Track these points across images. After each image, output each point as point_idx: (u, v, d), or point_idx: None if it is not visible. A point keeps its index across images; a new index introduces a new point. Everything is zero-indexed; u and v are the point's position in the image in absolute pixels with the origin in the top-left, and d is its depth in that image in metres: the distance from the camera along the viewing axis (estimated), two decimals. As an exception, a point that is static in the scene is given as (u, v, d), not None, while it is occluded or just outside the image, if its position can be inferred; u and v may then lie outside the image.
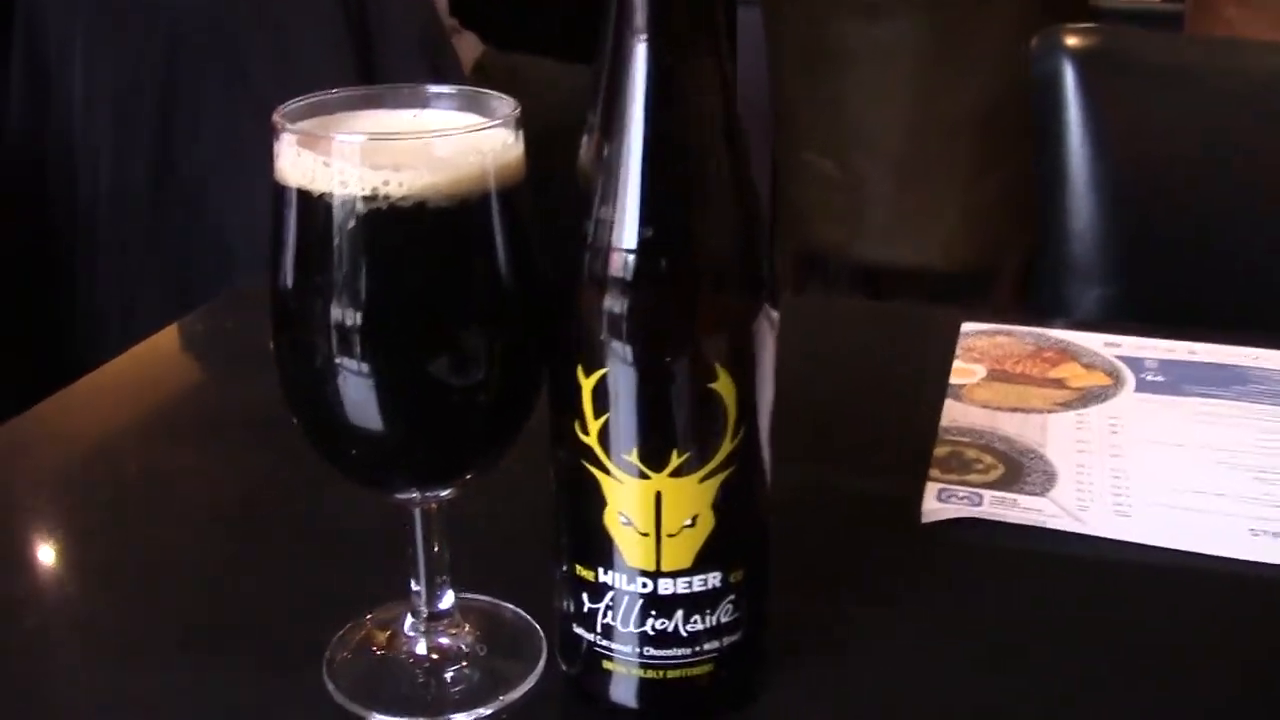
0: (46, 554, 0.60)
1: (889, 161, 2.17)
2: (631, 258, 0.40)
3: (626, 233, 0.40)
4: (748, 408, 0.43)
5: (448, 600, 0.49)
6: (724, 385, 0.42)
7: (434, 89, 0.45)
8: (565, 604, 0.46)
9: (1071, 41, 0.94)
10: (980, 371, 0.74)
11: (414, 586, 0.48)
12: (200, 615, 0.53)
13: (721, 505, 0.43)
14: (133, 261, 1.43)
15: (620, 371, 0.41)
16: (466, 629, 0.50)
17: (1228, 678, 0.50)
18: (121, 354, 0.79)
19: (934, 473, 0.63)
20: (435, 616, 0.49)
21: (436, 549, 0.48)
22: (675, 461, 0.42)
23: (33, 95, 1.45)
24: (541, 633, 0.50)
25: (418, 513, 0.47)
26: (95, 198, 1.44)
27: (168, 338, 0.83)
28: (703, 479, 0.42)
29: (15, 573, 0.58)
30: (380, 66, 1.59)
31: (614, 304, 0.41)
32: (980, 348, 0.77)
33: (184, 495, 0.63)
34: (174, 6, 1.48)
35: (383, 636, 0.50)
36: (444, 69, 1.69)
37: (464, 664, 0.49)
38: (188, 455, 0.67)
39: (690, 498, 0.42)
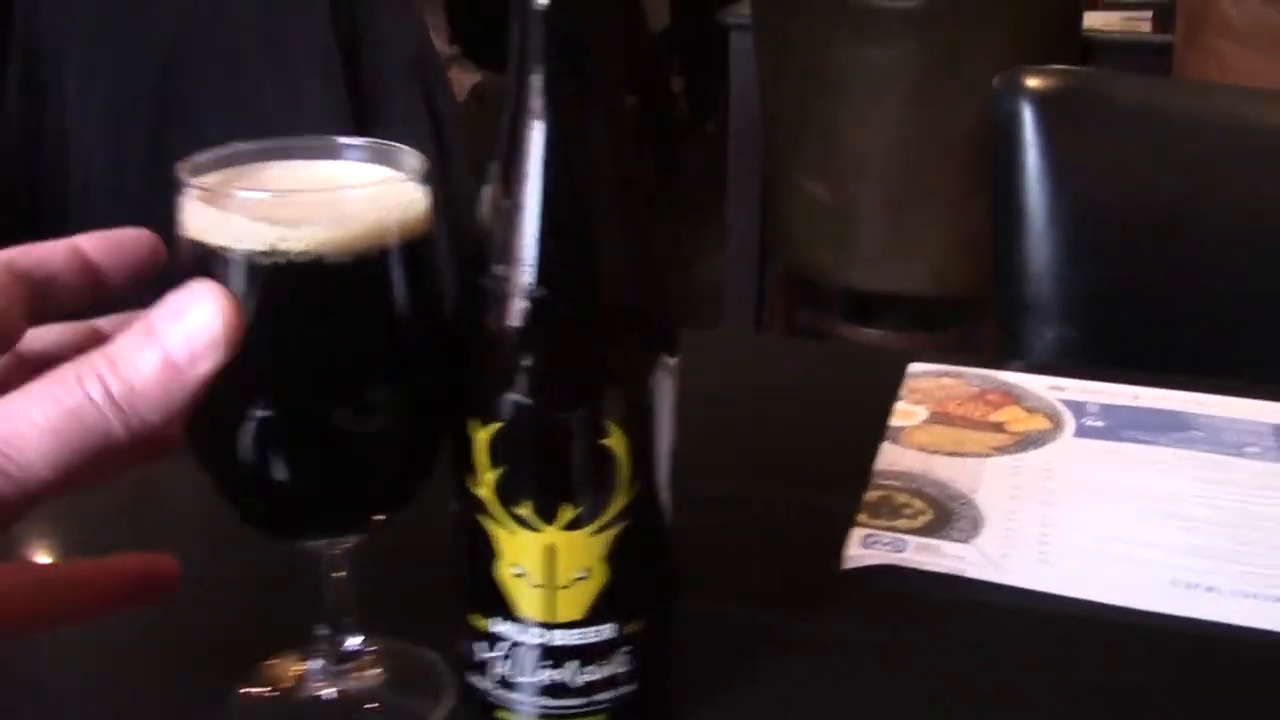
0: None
1: (880, 186, 2.17)
2: (521, 313, 0.41)
3: (518, 288, 0.41)
4: (643, 461, 0.43)
5: (355, 642, 0.50)
6: (617, 441, 0.42)
7: (344, 141, 0.46)
8: (462, 653, 0.46)
9: (1032, 82, 0.95)
10: (922, 414, 0.75)
11: (321, 630, 0.49)
12: (89, 660, 0.53)
13: (615, 558, 0.43)
14: None
15: (511, 426, 0.42)
16: (375, 672, 0.50)
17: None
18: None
19: (862, 517, 0.63)
20: (343, 659, 0.49)
21: (344, 592, 0.48)
22: (568, 515, 0.42)
23: (27, 101, 1.46)
24: (452, 675, 0.50)
25: (325, 556, 0.48)
26: (88, 207, 1.45)
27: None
28: (595, 532, 0.43)
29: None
30: (371, 91, 1.60)
31: (504, 358, 0.41)
32: (925, 389, 0.78)
33: (82, 532, 0.62)
34: (170, 20, 1.49)
35: (288, 682, 0.50)
36: (435, 95, 1.70)
37: (373, 707, 0.49)
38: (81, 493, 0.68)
39: (583, 551, 0.43)
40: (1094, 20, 2.21)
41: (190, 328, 0.36)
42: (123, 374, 0.36)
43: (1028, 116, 0.93)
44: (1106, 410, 0.75)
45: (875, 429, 0.73)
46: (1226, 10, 1.85)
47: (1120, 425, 0.73)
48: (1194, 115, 0.95)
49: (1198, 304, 0.94)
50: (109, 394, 0.35)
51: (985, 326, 2.27)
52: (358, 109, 1.57)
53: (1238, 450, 0.70)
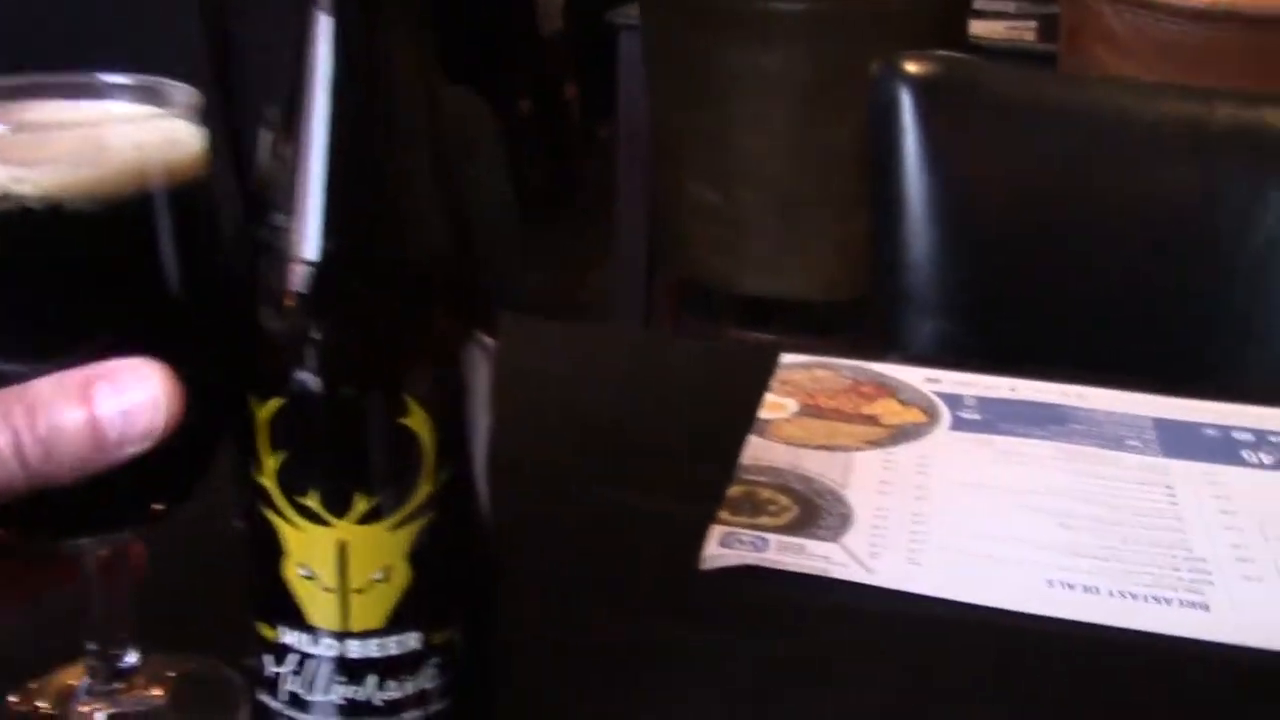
0: None
1: (770, 191, 2.15)
2: (304, 272, 0.35)
3: (299, 243, 0.35)
4: (451, 447, 0.37)
5: (131, 658, 0.43)
6: (418, 421, 0.36)
7: (110, 78, 0.39)
8: (252, 668, 0.40)
9: (911, 69, 0.91)
10: (792, 406, 0.70)
11: (89, 645, 0.42)
12: None
13: (419, 556, 0.38)
14: None
15: (294, 403, 0.36)
16: (155, 691, 0.44)
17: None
18: None
19: (723, 514, 0.58)
20: (116, 677, 0.43)
21: (115, 599, 0.42)
22: (361, 507, 0.37)
23: None
24: (245, 693, 0.44)
25: (91, 560, 0.41)
26: None
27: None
28: (394, 527, 0.37)
29: None
30: (247, 93, 1.54)
31: (285, 324, 0.35)
32: (796, 380, 0.73)
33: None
34: (20, 7, 1.41)
35: (53, 705, 0.43)
36: None
37: (152, 731, 0.43)
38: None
39: (380, 548, 0.37)
40: (978, 28, 2.21)
41: (129, 408, 0.34)
42: (40, 431, 0.33)
43: (906, 102, 0.90)
44: (983, 403, 0.71)
45: (745, 423, 0.68)
46: (1108, 20, 1.86)
47: (997, 418, 0.69)
48: (1072, 106, 0.93)
49: (1077, 297, 0.91)
50: (19, 446, 0.33)
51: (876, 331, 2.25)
52: (231, 111, 1.50)
53: (1117, 444, 0.67)
